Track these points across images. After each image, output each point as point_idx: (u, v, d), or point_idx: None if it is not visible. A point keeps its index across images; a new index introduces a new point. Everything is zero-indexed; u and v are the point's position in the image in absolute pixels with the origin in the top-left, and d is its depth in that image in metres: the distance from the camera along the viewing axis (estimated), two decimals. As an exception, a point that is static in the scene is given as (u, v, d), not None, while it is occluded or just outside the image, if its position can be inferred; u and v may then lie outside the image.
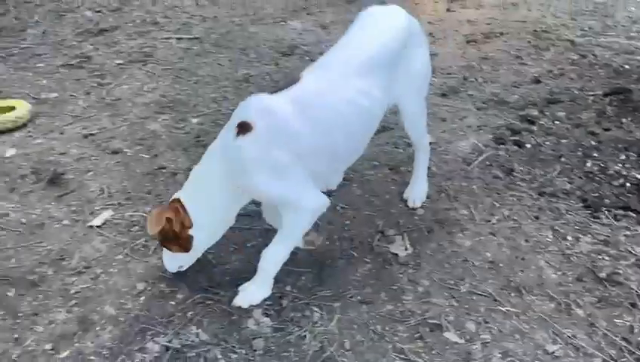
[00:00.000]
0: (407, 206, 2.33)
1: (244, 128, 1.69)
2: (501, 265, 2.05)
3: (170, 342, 1.74)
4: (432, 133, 2.83)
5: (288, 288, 1.94)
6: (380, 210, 2.32)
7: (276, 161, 1.71)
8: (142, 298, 1.91)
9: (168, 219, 1.75)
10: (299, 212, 1.79)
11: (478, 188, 2.45)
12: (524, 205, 2.34)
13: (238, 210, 1.88)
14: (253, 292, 1.87)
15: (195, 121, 2.96)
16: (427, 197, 2.36)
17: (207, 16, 4.28)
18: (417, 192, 2.34)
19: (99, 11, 4.35)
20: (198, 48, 3.78)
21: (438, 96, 3.21)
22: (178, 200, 1.81)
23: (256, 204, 2.06)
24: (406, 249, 2.11)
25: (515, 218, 2.27)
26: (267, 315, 1.84)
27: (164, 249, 1.89)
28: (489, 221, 2.26)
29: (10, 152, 2.65)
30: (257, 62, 3.62)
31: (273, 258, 1.84)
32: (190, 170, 2.52)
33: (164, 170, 2.55)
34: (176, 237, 1.80)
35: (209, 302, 1.89)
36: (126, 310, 1.86)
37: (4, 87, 3.25)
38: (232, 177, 1.75)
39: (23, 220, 2.24)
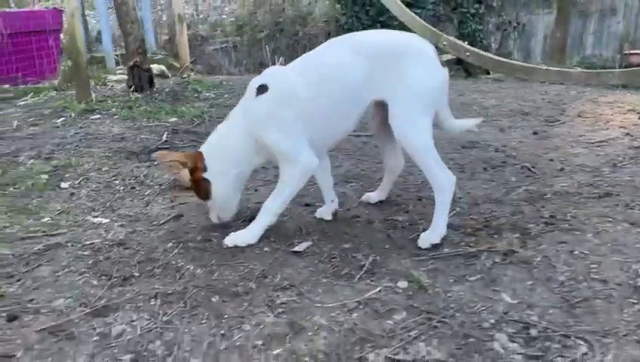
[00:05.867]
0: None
1: (262, 89, 2.09)
2: None
3: (396, 354, 1.43)
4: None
5: (535, 318, 1.56)
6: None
7: (283, 118, 2.05)
8: (354, 314, 1.65)
9: (183, 163, 2.12)
10: (294, 166, 2.08)
11: None
12: None
13: (253, 167, 2.21)
14: (241, 236, 2.14)
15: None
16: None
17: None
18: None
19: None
20: None
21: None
22: (199, 152, 2.17)
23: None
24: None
25: None
26: (513, 341, 1.46)
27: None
28: None
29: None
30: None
31: (270, 209, 2.13)
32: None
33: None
34: (194, 182, 2.16)
35: (435, 324, 1.57)
36: (339, 322, 1.61)
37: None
38: (251, 130, 2.10)
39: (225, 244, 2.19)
